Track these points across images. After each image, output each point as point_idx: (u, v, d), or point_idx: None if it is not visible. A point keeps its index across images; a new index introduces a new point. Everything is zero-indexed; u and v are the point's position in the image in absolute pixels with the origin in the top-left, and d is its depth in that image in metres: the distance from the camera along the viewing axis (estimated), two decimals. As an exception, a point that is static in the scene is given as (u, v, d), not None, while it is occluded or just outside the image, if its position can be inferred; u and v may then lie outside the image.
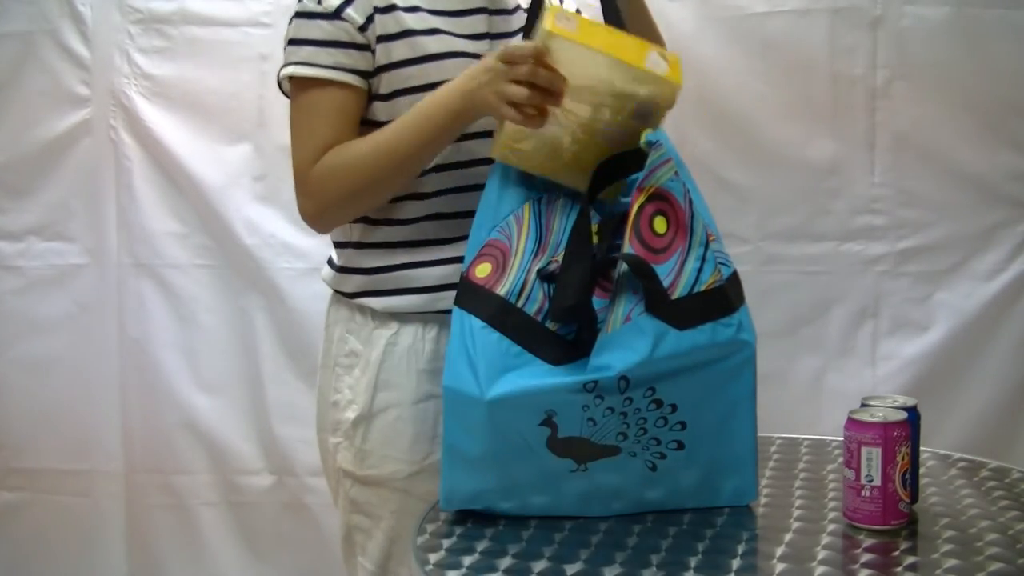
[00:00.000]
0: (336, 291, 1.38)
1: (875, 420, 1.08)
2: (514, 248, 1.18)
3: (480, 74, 1.16)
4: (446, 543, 1.06)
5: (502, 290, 1.14)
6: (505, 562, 1.01)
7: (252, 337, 2.11)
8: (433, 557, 1.03)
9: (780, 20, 1.92)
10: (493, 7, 1.34)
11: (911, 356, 1.95)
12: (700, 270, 1.11)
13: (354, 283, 1.34)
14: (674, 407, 1.10)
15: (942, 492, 1.21)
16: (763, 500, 1.19)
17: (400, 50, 1.26)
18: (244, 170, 2.08)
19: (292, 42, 1.31)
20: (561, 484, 1.11)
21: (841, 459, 1.12)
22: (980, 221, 1.92)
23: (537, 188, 1.21)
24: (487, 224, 1.20)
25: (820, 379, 1.99)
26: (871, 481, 1.06)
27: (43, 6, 2.06)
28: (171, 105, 2.07)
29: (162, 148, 2.07)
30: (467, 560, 1.01)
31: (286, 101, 2.02)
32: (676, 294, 1.10)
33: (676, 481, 1.13)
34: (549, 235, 1.18)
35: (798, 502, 1.18)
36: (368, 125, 1.29)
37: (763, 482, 1.25)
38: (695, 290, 1.11)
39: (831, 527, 1.10)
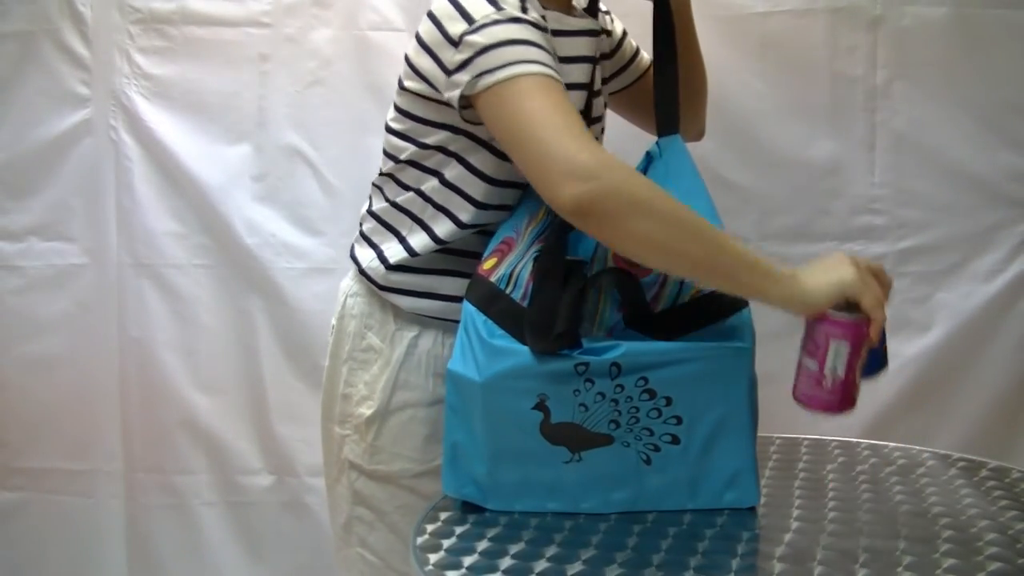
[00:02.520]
0: (367, 277, 1.38)
1: (849, 319, 1.08)
2: (519, 239, 1.19)
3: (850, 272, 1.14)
4: (446, 543, 1.06)
5: (495, 276, 1.15)
6: (505, 562, 1.01)
7: (252, 337, 2.11)
8: (433, 557, 1.03)
9: (779, 19, 1.92)
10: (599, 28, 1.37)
11: (911, 356, 1.95)
12: (683, 282, 1.11)
13: (398, 280, 1.35)
14: (668, 400, 1.10)
15: (942, 492, 1.21)
16: (763, 500, 1.19)
17: None
18: (244, 170, 2.07)
19: (510, 43, 1.15)
20: (557, 474, 1.12)
21: (803, 350, 1.12)
22: (980, 221, 1.92)
23: None
24: (508, 227, 1.24)
25: (820, 379, 1.99)
26: (835, 372, 1.07)
27: (43, 6, 2.05)
28: (171, 105, 2.06)
29: (162, 148, 2.07)
30: (467, 560, 1.01)
31: (287, 101, 2.06)
32: (660, 307, 1.10)
33: (672, 476, 1.13)
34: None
35: (798, 502, 1.18)
36: (480, 146, 1.28)
37: (763, 482, 1.25)
38: (679, 302, 1.11)
39: (831, 527, 1.10)
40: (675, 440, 1.12)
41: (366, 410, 1.36)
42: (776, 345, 1.96)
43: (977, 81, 1.89)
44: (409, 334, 1.35)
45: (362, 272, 1.39)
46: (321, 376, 2.09)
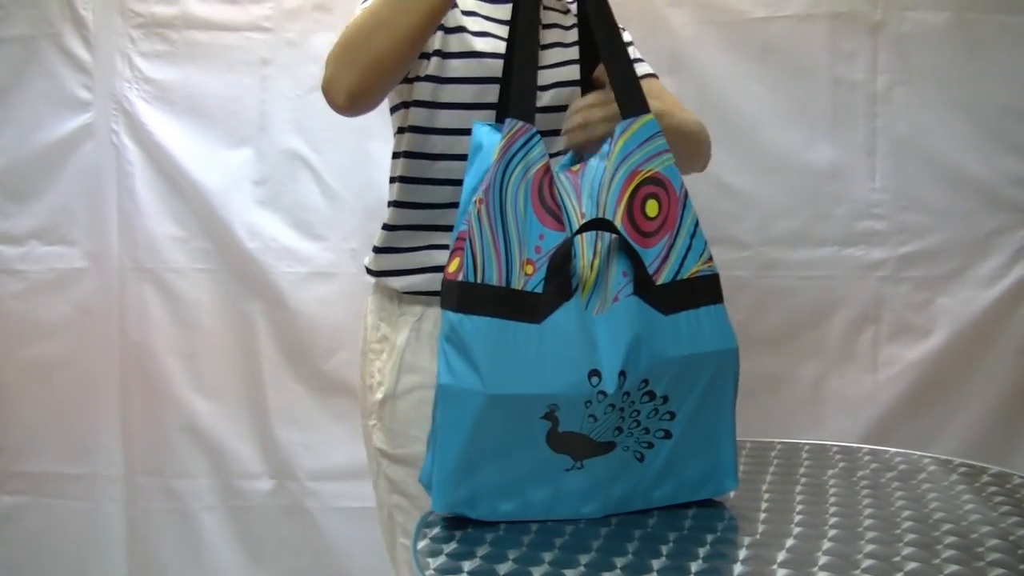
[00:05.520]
0: (369, 271, 1.48)
1: None
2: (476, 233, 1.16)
3: None
4: (446, 548, 1.06)
5: (461, 275, 1.12)
6: (505, 567, 1.01)
7: (253, 341, 2.11)
8: (433, 562, 1.02)
9: (780, 25, 1.93)
10: (545, 21, 1.40)
11: (912, 361, 1.95)
12: (684, 258, 1.13)
13: (383, 262, 1.45)
14: (666, 398, 1.11)
15: (943, 498, 1.21)
16: (764, 505, 1.19)
17: (453, 43, 1.36)
18: (245, 174, 2.08)
19: None
20: (556, 483, 1.12)
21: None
22: (981, 226, 1.93)
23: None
24: (460, 221, 1.18)
25: (821, 384, 1.99)
26: None
27: (45, 10, 2.06)
28: (173, 109, 2.07)
29: (163, 152, 2.07)
30: (467, 565, 1.01)
31: (288, 105, 2.06)
32: (661, 280, 1.12)
33: (660, 469, 1.14)
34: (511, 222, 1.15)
35: (799, 507, 1.18)
36: (413, 106, 1.38)
37: (763, 487, 1.25)
38: (679, 277, 1.13)
39: (832, 532, 1.10)
40: (667, 435, 1.13)
41: (379, 395, 1.42)
42: (777, 350, 1.98)
43: (977, 86, 1.89)
44: (412, 318, 1.42)
45: (366, 269, 1.48)
46: (322, 380, 2.11)
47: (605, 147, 1.17)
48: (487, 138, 1.16)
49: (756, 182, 1.96)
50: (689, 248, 1.14)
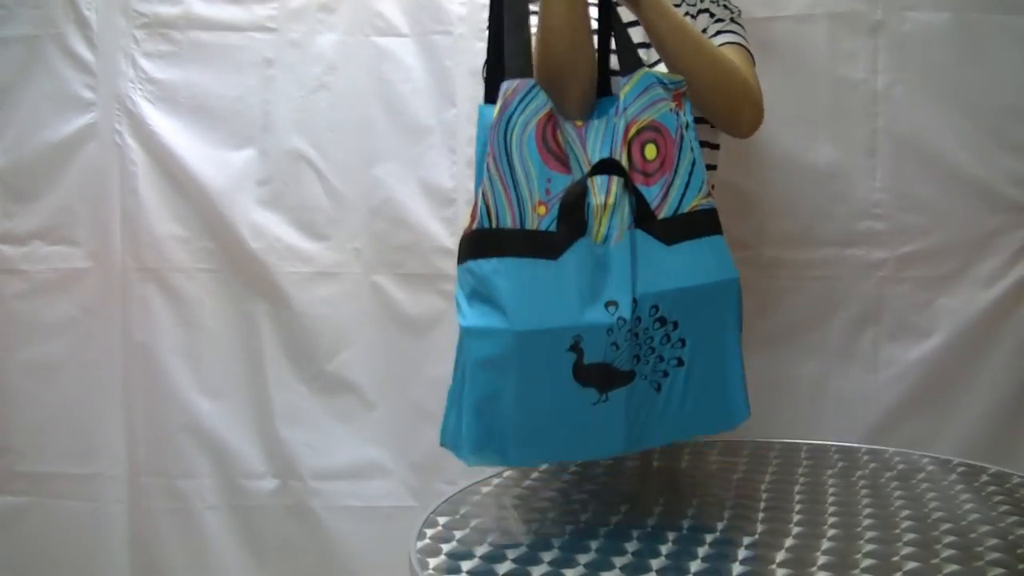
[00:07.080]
0: None
1: None
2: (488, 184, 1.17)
3: None
4: (446, 548, 1.07)
5: (476, 225, 1.14)
6: (505, 567, 1.01)
7: (257, 341, 2.11)
8: (433, 562, 1.03)
9: (781, 25, 1.93)
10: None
11: (913, 361, 1.95)
12: (684, 194, 1.20)
13: None
14: (676, 324, 1.15)
15: (942, 497, 1.21)
16: (763, 505, 1.19)
17: None
18: (249, 174, 2.08)
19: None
20: (584, 417, 1.11)
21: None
22: (981, 226, 1.92)
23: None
24: (476, 185, 1.19)
25: (821, 384, 1.99)
26: None
27: (48, 10, 2.06)
28: (176, 109, 2.07)
29: (167, 152, 2.08)
30: (467, 565, 1.02)
31: (292, 105, 2.06)
32: (662, 214, 1.18)
33: (678, 401, 1.17)
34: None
35: (798, 507, 1.19)
36: None
37: (763, 487, 1.26)
38: (679, 211, 1.19)
39: (831, 532, 1.10)
40: (680, 363, 1.16)
41: None
42: (777, 350, 1.99)
43: (978, 86, 1.89)
44: None
45: None
46: (326, 380, 2.11)
47: (611, 109, 1.23)
48: (489, 112, 1.18)
49: (756, 181, 1.96)
50: (688, 184, 1.20)
